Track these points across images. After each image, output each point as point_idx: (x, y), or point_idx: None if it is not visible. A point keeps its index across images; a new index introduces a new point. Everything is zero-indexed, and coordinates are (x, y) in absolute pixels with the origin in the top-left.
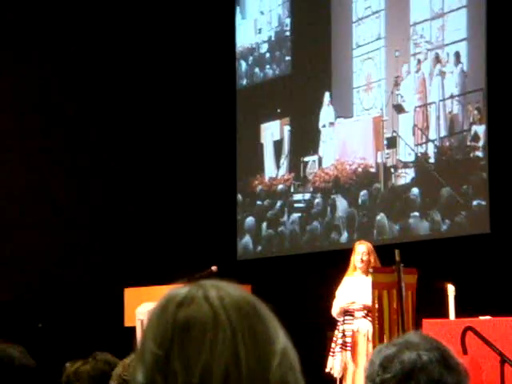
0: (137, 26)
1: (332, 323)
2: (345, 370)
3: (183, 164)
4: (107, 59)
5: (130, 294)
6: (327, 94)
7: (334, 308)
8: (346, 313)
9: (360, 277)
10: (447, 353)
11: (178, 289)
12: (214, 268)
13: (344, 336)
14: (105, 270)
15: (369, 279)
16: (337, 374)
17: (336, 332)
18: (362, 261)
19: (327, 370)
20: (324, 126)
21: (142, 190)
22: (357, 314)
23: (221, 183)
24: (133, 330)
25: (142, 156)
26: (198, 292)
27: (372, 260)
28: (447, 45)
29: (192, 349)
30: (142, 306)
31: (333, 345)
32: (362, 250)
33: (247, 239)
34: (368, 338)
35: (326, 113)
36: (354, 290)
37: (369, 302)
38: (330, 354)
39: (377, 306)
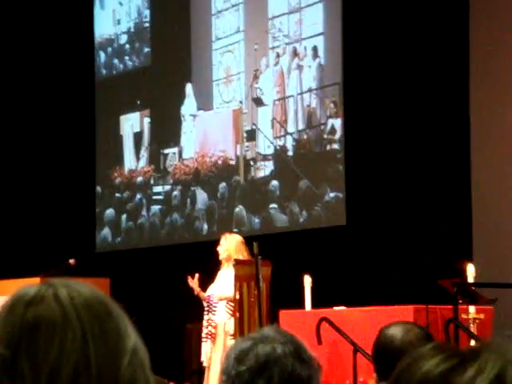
0: None
1: (191, 316)
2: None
3: (42, 155)
4: None
5: None
6: (189, 86)
7: None
8: (208, 304)
9: (224, 269)
10: (301, 346)
11: (27, 288)
12: (71, 261)
13: (209, 325)
14: None
15: (230, 271)
16: (205, 362)
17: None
18: (221, 252)
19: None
20: (184, 117)
21: None
22: (216, 305)
23: (80, 175)
24: None
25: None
26: (48, 291)
27: (233, 252)
28: (305, 39)
29: (40, 348)
30: None
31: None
32: (221, 242)
33: (106, 231)
34: (224, 331)
35: (188, 104)
36: (217, 281)
37: (226, 294)
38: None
39: (238, 297)
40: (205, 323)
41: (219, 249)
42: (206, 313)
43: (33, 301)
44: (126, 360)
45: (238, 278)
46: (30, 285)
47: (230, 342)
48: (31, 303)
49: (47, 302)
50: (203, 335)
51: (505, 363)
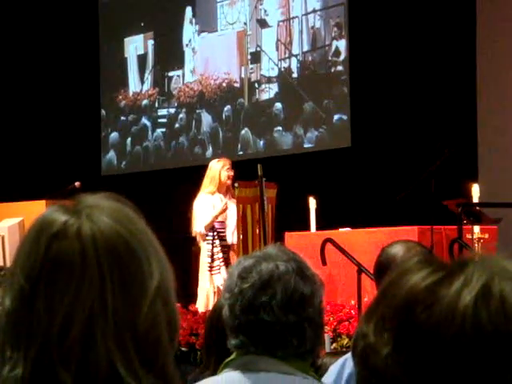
0: None
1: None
2: None
3: (46, 79)
4: None
5: None
6: (189, 9)
7: (199, 223)
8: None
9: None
10: (303, 264)
11: (55, 213)
12: (77, 184)
13: (222, 251)
14: None
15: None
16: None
17: (210, 247)
18: (230, 177)
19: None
20: (189, 40)
21: (2, 104)
22: (226, 231)
23: (84, 98)
24: None
25: (3, 71)
26: (74, 224)
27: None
28: None
29: (57, 290)
30: (2, 222)
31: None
32: (229, 166)
33: (111, 155)
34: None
35: (190, 27)
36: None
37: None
38: (214, 271)
39: (241, 219)
40: (216, 249)
41: (231, 173)
42: (212, 237)
43: (58, 235)
44: (146, 305)
45: (240, 200)
46: (57, 209)
47: None
48: (56, 237)
49: (70, 239)
50: (215, 262)
51: (491, 275)
